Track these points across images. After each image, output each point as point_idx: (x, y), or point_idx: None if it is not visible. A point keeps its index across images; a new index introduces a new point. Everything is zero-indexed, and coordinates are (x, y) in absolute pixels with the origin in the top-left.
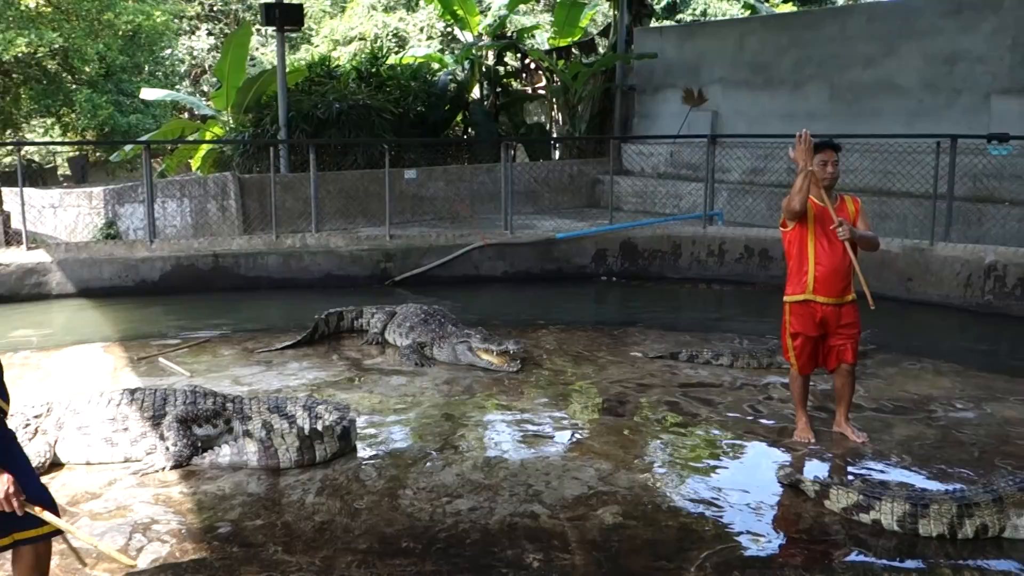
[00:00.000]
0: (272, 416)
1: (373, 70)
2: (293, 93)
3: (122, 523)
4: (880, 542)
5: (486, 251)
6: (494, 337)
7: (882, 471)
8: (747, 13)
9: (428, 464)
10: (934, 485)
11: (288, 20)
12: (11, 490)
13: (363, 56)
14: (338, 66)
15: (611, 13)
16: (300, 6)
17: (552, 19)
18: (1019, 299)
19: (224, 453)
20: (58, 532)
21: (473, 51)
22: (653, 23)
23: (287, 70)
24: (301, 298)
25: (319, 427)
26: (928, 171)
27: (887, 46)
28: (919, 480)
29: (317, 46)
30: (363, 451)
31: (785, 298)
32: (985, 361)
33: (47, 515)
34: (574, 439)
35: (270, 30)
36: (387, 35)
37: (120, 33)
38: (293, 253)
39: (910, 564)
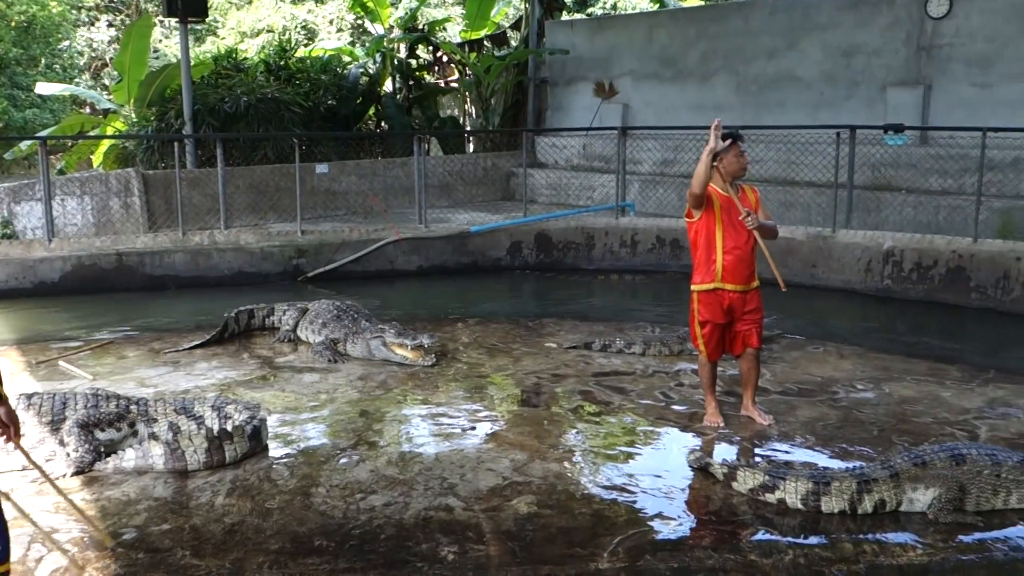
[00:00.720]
0: (179, 417)
1: (282, 63)
2: (199, 87)
3: (20, 533)
4: (785, 520)
5: (400, 245)
6: (408, 332)
7: (787, 452)
8: (656, 7)
9: (342, 461)
10: (836, 463)
11: (191, 11)
12: None
13: (271, 49)
14: (245, 59)
15: (522, 6)
16: None
17: (463, 12)
18: (915, 283)
19: (128, 457)
20: None
21: (384, 44)
22: (564, 16)
23: (192, 63)
24: (210, 296)
25: (228, 427)
26: (830, 161)
27: (789, 39)
28: (822, 459)
29: (223, 38)
30: (275, 450)
31: (693, 287)
32: (884, 343)
33: None
34: (489, 431)
35: (173, 22)
36: (296, 27)
37: (13, 24)
38: (201, 251)
39: (813, 540)
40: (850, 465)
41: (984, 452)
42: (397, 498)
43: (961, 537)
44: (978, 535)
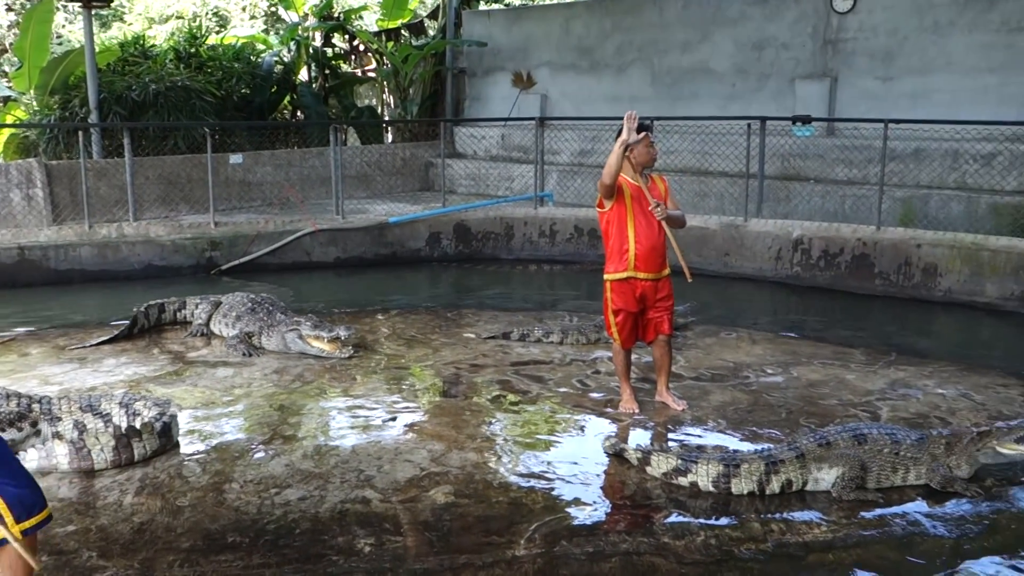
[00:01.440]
0: (85, 415)
1: (192, 50)
2: (105, 74)
3: None
4: (697, 503)
5: (317, 237)
6: (325, 324)
7: (700, 436)
8: None
9: (256, 456)
10: (746, 446)
11: None
12: None
13: (181, 36)
14: (154, 46)
15: None
16: None
17: (380, 1)
18: (823, 270)
19: (31, 458)
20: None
21: (299, 32)
22: (482, 6)
23: (97, 50)
24: (119, 291)
25: (137, 424)
26: (742, 151)
27: (702, 32)
28: (733, 442)
29: (130, 24)
30: (186, 447)
31: (606, 276)
32: (793, 329)
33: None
34: (407, 422)
35: (76, 6)
36: (207, 14)
37: None
38: (109, 243)
39: (724, 521)
40: (759, 447)
41: (884, 432)
42: (313, 492)
43: (863, 513)
44: (879, 511)
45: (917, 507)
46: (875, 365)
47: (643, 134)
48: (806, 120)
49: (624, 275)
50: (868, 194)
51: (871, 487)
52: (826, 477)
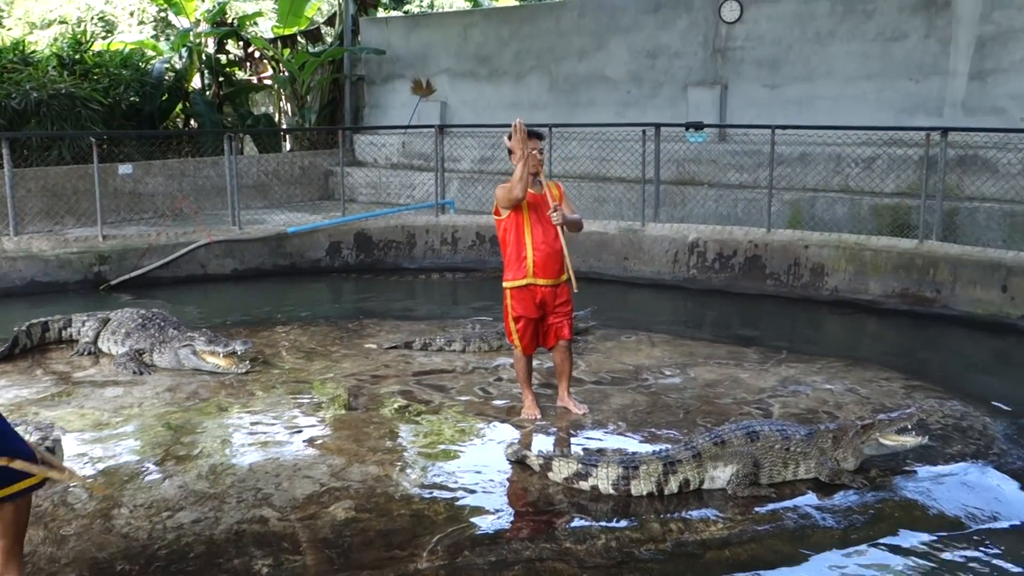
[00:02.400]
0: None
1: (77, 57)
2: None
3: None
4: (598, 506)
5: (213, 248)
6: (220, 338)
7: (600, 439)
8: (471, 5)
9: (147, 479)
10: (645, 447)
11: None
12: None
13: (64, 41)
14: (35, 52)
15: (336, 2)
16: None
17: (275, 6)
18: (718, 272)
19: None
20: (37, 486)
21: (191, 38)
22: (380, 13)
23: None
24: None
25: None
26: (638, 157)
27: (598, 40)
28: (633, 444)
29: (10, 29)
30: None
31: (505, 284)
32: (690, 330)
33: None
34: (307, 437)
35: None
36: (92, 19)
37: None
38: None
39: (624, 523)
40: (657, 448)
41: (775, 428)
42: (207, 513)
43: (757, 509)
44: (772, 506)
45: (807, 500)
46: (767, 363)
47: (528, 142)
48: (699, 126)
49: (523, 282)
50: (758, 197)
51: (764, 483)
52: (721, 475)
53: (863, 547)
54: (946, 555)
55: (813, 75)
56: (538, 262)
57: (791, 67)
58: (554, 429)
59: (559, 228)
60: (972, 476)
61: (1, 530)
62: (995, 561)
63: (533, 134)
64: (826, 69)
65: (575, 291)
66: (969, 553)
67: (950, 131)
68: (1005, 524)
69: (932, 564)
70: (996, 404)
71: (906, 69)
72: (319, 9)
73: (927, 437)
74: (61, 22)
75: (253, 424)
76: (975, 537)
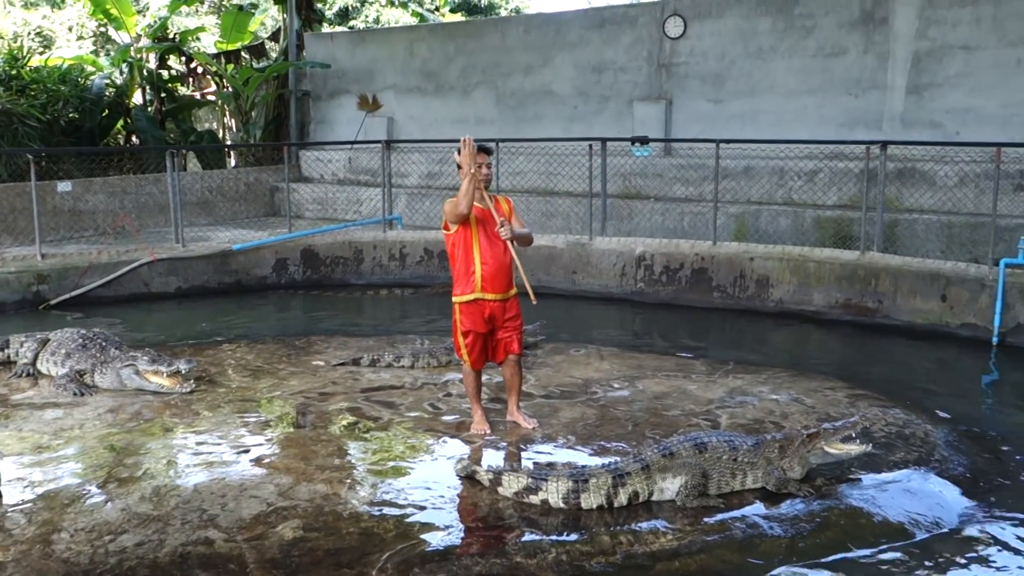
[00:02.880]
0: None
1: (13, 72)
2: None
3: None
4: (549, 520)
5: (156, 266)
6: (164, 357)
7: (550, 453)
8: (417, 21)
9: (88, 502)
10: (595, 461)
11: None
12: None
13: (0, 57)
14: None
15: (281, 17)
16: None
17: (218, 22)
18: (665, 285)
19: None
20: None
21: (131, 53)
22: (325, 28)
23: None
24: None
25: None
26: (585, 171)
27: (544, 56)
28: (582, 457)
29: None
30: (9, 497)
31: (454, 299)
32: (638, 343)
33: None
34: (253, 456)
35: None
36: (28, 33)
37: None
38: None
39: (574, 537)
40: (607, 461)
41: (723, 439)
42: (151, 536)
43: (706, 519)
44: (720, 516)
45: (755, 509)
46: (715, 375)
47: (480, 155)
48: (644, 141)
49: (472, 297)
50: (704, 211)
51: (712, 493)
52: (670, 486)
53: (810, 555)
54: (891, 561)
55: (756, 90)
56: (486, 276)
57: (734, 82)
58: (504, 444)
59: (508, 242)
60: (915, 483)
61: None
62: (938, 567)
63: (481, 149)
64: (768, 84)
65: (534, 303)
66: (913, 559)
67: (889, 144)
68: (947, 529)
69: (879, 571)
70: (937, 412)
71: (846, 84)
72: (263, 24)
73: (871, 445)
74: None
75: (198, 444)
76: (919, 543)
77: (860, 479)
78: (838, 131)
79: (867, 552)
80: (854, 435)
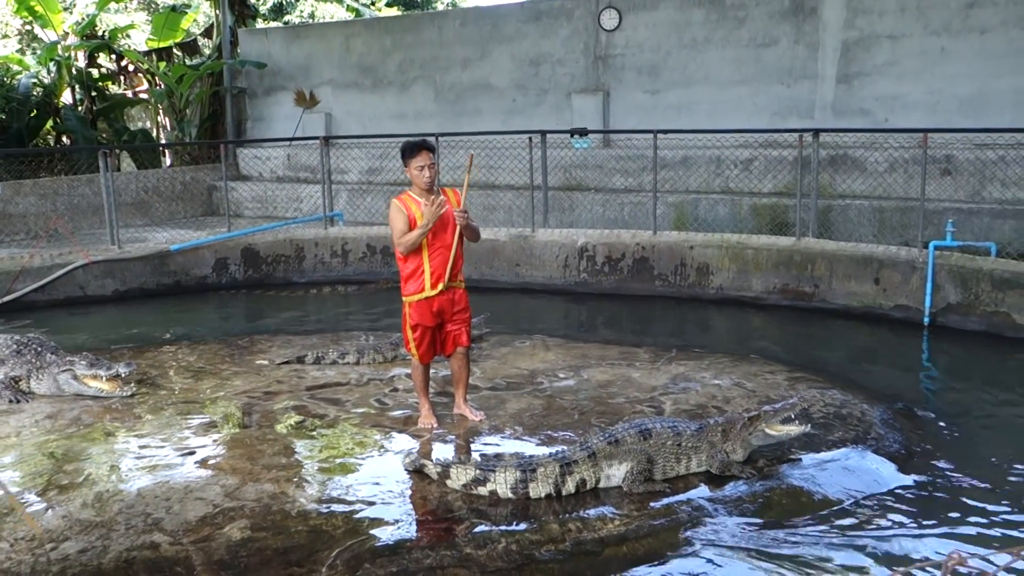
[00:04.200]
0: None
1: None
2: None
3: None
4: (498, 510)
5: (91, 269)
6: (103, 361)
7: (498, 444)
8: (352, 15)
9: (27, 510)
10: (542, 450)
11: None
12: None
13: None
14: None
15: (213, 13)
16: None
17: (149, 18)
18: (607, 275)
19: None
20: None
21: (59, 52)
22: (260, 24)
23: None
24: None
25: None
26: (526, 164)
27: (481, 49)
28: (530, 447)
29: None
30: None
31: (405, 298)
32: (582, 333)
33: None
34: (198, 458)
35: None
36: None
37: None
38: None
39: (523, 526)
40: (554, 450)
41: (667, 425)
42: (95, 542)
43: (652, 504)
44: (666, 500)
45: (700, 492)
46: (658, 362)
47: (418, 155)
48: (583, 132)
49: (422, 296)
50: (644, 201)
51: (658, 478)
52: (617, 473)
53: (755, 534)
54: (832, 537)
55: (691, 81)
56: (435, 274)
57: (670, 73)
58: (452, 437)
59: (455, 236)
60: (853, 461)
61: None
62: (877, 540)
63: (424, 146)
64: (703, 75)
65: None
66: (853, 533)
67: (821, 132)
68: (886, 503)
69: (819, 546)
70: (873, 391)
71: (778, 74)
72: (195, 21)
73: (810, 426)
74: None
75: (141, 448)
76: (857, 518)
77: (800, 459)
78: (772, 120)
79: (809, 529)
80: (793, 416)
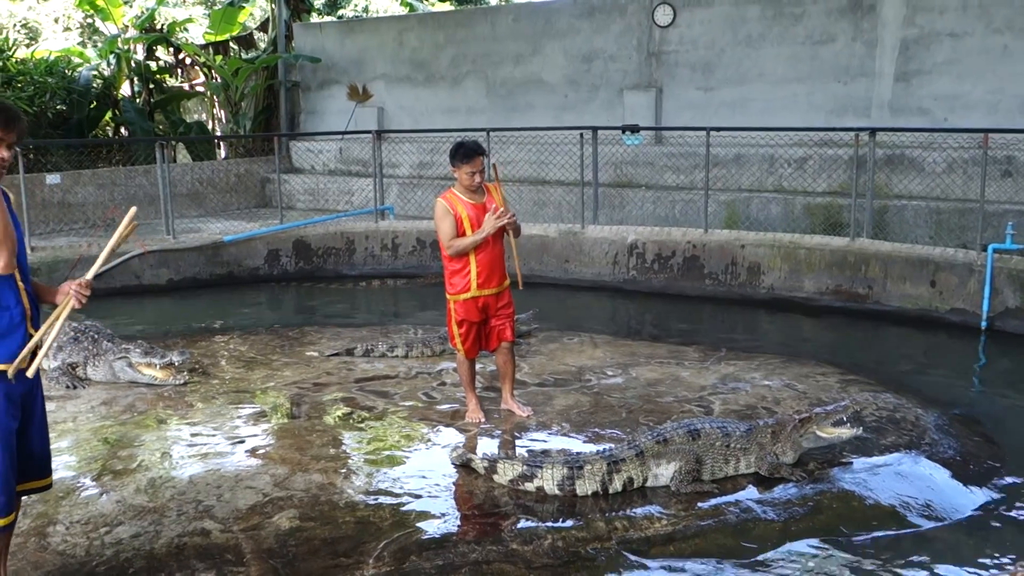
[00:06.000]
0: None
1: (0, 65)
2: None
3: None
4: (544, 507)
5: (147, 259)
6: (157, 349)
7: (545, 440)
8: (406, 10)
9: (83, 494)
10: (589, 447)
11: None
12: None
13: None
14: None
15: (269, 7)
16: None
17: (206, 12)
18: (657, 273)
19: None
20: None
21: (119, 44)
22: (314, 18)
23: None
24: None
25: None
26: (576, 160)
27: (533, 45)
28: (577, 444)
29: None
30: None
31: (450, 296)
32: (631, 331)
33: None
34: (248, 447)
35: None
36: (14, 26)
37: None
38: None
39: (570, 523)
40: (601, 448)
41: (716, 425)
42: (147, 527)
43: (700, 504)
44: (714, 501)
45: (748, 494)
46: (707, 362)
47: (469, 163)
48: (635, 129)
49: (467, 296)
50: (695, 198)
51: (706, 478)
52: (664, 472)
53: (804, 538)
54: (883, 543)
55: (745, 78)
56: (481, 274)
57: (724, 70)
58: (498, 432)
59: (501, 236)
60: (906, 466)
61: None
62: (930, 548)
63: (479, 152)
64: (758, 72)
65: (520, 288)
66: (905, 541)
67: (878, 131)
68: (938, 511)
69: (870, 552)
70: (927, 396)
71: (834, 71)
72: (251, 15)
73: (862, 429)
74: None
75: (193, 436)
76: (910, 525)
77: (851, 463)
78: (827, 118)
79: (860, 535)
80: (845, 419)
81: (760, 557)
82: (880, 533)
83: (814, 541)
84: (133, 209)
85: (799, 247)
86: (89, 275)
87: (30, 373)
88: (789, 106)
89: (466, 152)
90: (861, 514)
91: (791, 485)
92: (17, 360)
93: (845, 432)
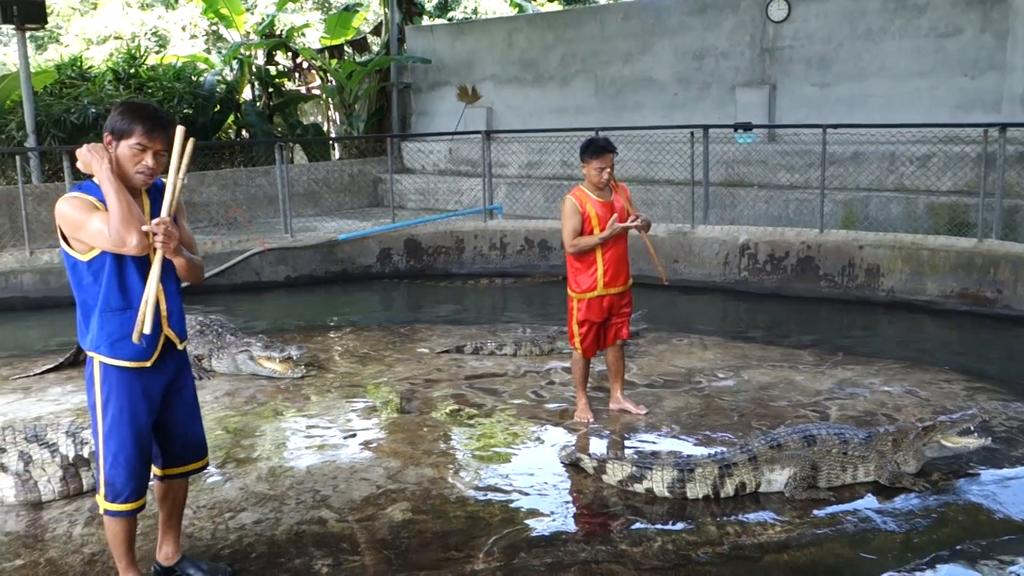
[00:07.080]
0: (31, 446)
1: (132, 71)
2: (41, 97)
3: None
4: (653, 508)
5: (266, 256)
6: (276, 344)
7: (654, 442)
8: (515, 11)
9: (208, 481)
10: (699, 450)
11: (29, 18)
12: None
13: (120, 56)
14: (92, 67)
15: (382, 11)
16: (42, 3)
17: (322, 17)
18: (769, 274)
19: None
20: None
21: (241, 51)
22: (425, 21)
23: (33, 72)
24: (64, 317)
25: (85, 453)
26: (686, 159)
27: (643, 43)
28: (687, 447)
29: (67, 46)
30: None
31: (575, 295)
32: (743, 333)
33: None
34: (362, 440)
35: (9, 28)
36: (145, 34)
37: None
38: (52, 270)
39: (680, 526)
40: (712, 451)
41: (833, 431)
42: (268, 514)
43: (815, 512)
44: (831, 509)
45: (867, 503)
46: (823, 366)
47: (599, 158)
48: (747, 127)
49: (593, 295)
50: (810, 198)
51: (822, 486)
52: (778, 478)
53: (926, 552)
54: (1013, 560)
55: (864, 73)
56: (608, 273)
57: (841, 65)
58: (607, 432)
59: (625, 235)
60: None
61: (169, 502)
62: None
63: (609, 149)
64: (878, 66)
65: (665, 283)
66: None
67: (1009, 127)
68: None
69: (998, 570)
70: None
71: (961, 65)
72: (365, 19)
73: (990, 439)
74: (116, 38)
75: (309, 427)
76: None
77: (979, 474)
78: (953, 114)
79: (987, 550)
80: (972, 428)
81: (880, 569)
82: (1009, 549)
83: (939, 554)
84: (181, 129)
85: (922, 248)
86: (163, 213)
87: (147, 329)
88: (912, 101)
89: (596, 148)
90: (989, 528)
91: (913, 495)
92: (137, 325)
93: (972, 442)
